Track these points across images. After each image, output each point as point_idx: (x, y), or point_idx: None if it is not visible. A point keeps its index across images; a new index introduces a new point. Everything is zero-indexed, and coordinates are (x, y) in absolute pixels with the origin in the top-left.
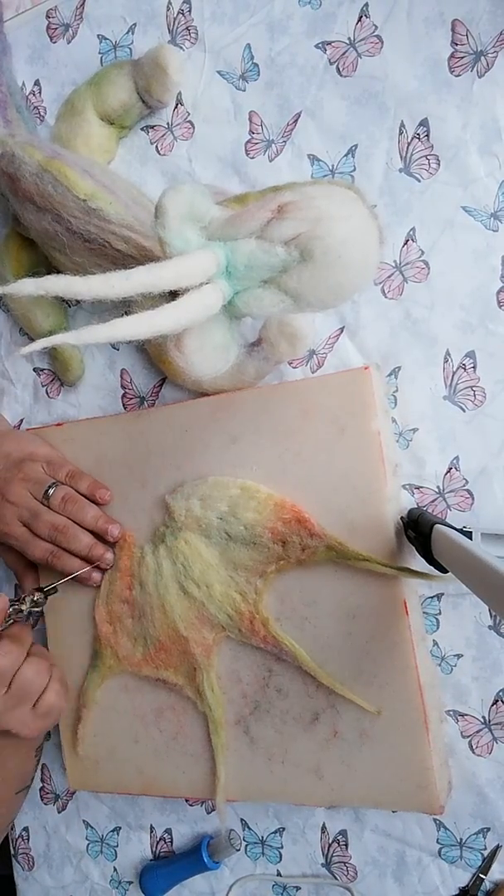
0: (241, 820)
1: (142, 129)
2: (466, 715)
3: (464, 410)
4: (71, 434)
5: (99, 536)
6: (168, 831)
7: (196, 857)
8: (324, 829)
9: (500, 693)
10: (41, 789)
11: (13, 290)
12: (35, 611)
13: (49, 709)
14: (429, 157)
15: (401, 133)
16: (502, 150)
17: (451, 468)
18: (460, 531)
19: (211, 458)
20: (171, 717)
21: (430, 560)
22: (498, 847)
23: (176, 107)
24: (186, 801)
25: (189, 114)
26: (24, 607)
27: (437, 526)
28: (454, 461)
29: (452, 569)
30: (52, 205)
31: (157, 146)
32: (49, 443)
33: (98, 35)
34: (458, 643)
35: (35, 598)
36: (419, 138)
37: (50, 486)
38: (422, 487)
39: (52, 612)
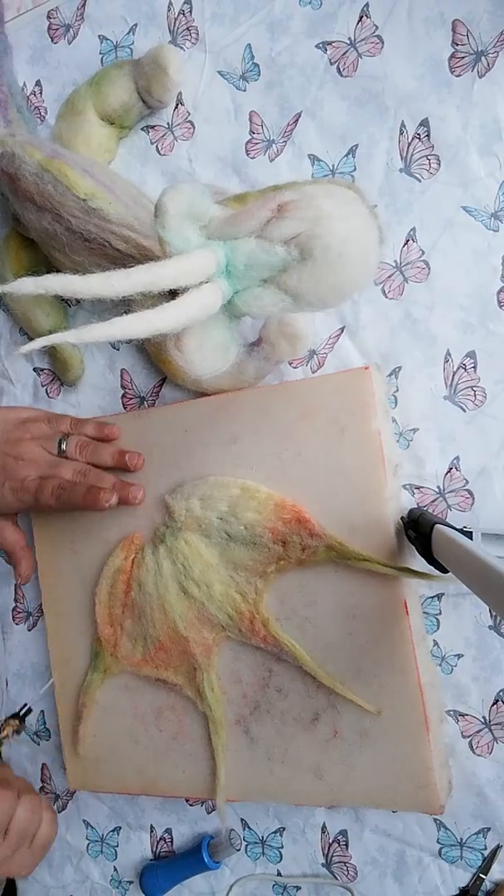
0: (242, 820)
1: (142, 129)
2: (467, 715)
3: (464, 410)
4: None
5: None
6: (168, 831)
7: (196, 856)
8: (324, 829)
9: (501, 693)
10: (41, 789)
11: (13, 289)
12: (16, 738)
13: (45, 842)
14: (429, 158)
15: (401, 133)
16: (502, 150)
17: (451, 468)
18: (461, 531)
19: (211, 458)
20: (171, 717)
21: (431, 560)
22: (498, 847)
23: (176, 107)
24: (186, 800)
25: (189, 114)
26: (3, 738)
27: (438, 526)
28: (454, 461)
29: (453, 569)
30: (52, 204)
31: (157, 146)
32: None
33: (99, 35)
34: (458, 643)
35: (16, 727)
36: (419, 138)
37: (61, 439)
38: (422, 487)
39: (53, 613)
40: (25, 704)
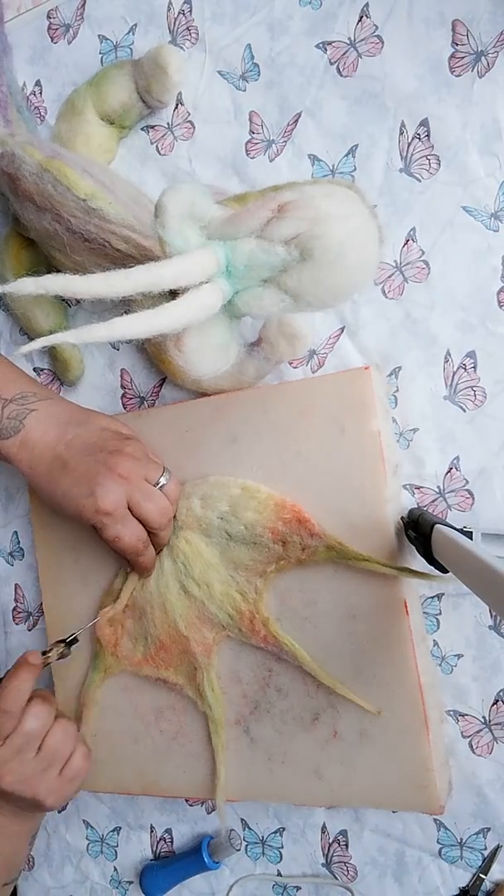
0: (242, 820)
1: (142, 129)
2: (466, 715)
3: (464, 410)
4: None
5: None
6: (168, 831)
7: (196, 856)
8: (324, 829)
9: (501, 693)
10: None
11: (13, 289)
12: (60, 662)
13: (76, 773)
14: (429, 157)
15: (401, 133)
16: (502, 150)
17: (451, 468)
18: (460, 531)
19: (211, 458)
20: (171, 717)
21: (431, 560)
22: (498, 847)
23: (176, 107)
24: (186, 801)
25: (189, 114)
26: (50, 661)
27: (438, 526)
28: (454, 461)
29: (453, 569)
30: (52, 204)
31: (157, 146)
32: None
33: (99, 35)
34: (458, 643)
35: (61, 651)
36: (419, 138)
37: (164, 473)
38: (422, 487)
39: (53, 612)
40: (73, 634)
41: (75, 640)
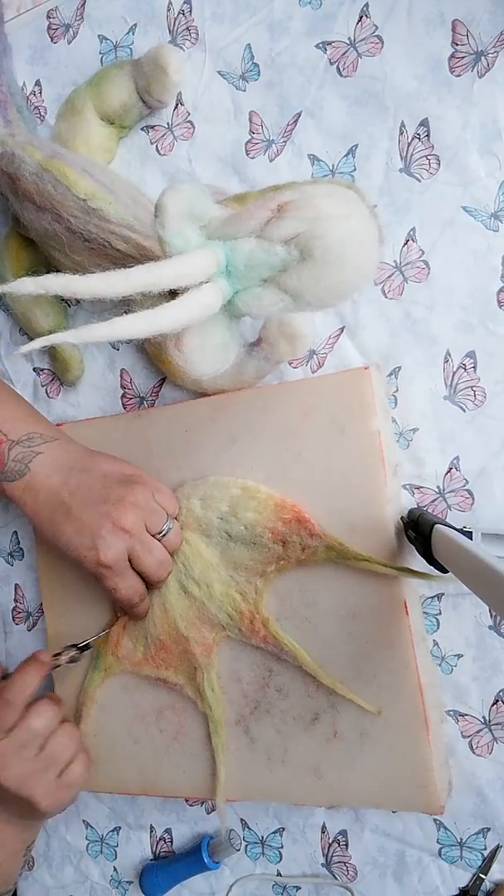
0: (241, 820)
1: (142, 129)
2: (466, 715)
3: (464, 410)
4: (71, 434)
5: None
6: (168, 831)
7: (196, 856)
8: (324, 829)
9: (501, 693)
10: None
11: (13, 289)
12: (70, 666)
13: (74, 780)
14: (429, 158)
15: (401, 133)
16: (502, 151)
17: (451, 468)
18: (460, 531)
19: (211, 458)
20: (171, 717)
21: (431, 560)
22: (498, 847)
23: (176, 107)
24: (186, 801)
25: (189, 114)
26: (61, 662)
27: (438, 526)
28: (454, 461)
29: (452, 569)
30: (52, 204)
31: (157, 146)
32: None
33: (99, 35)
34: (458, 643)
35: (72, 655)
36: (419, 138)
37: (168, 521)
38: (422, 487)
39: (53, 613)
40: (87, 641)
41: (88, 647)
